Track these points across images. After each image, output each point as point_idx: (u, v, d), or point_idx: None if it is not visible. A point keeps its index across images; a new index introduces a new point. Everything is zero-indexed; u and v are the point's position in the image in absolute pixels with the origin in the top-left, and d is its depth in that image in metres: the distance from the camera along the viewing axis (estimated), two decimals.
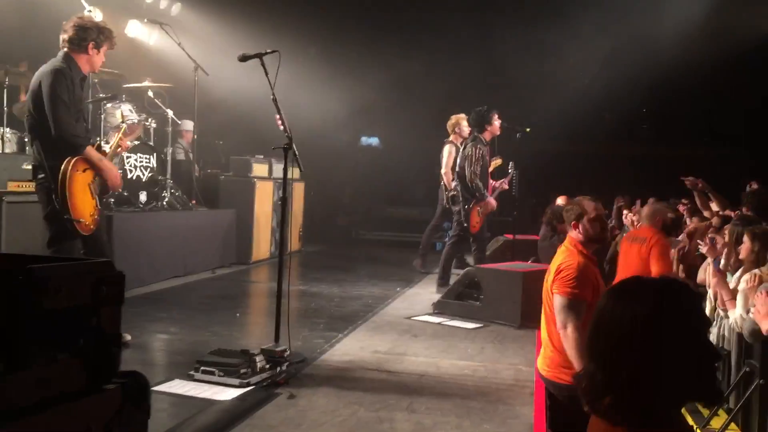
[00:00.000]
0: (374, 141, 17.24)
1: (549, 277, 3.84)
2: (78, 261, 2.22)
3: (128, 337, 5.23)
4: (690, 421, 4.47)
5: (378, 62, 13.41)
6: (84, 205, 4.90)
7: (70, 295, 1.94)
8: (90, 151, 4.91)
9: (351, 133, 16.50)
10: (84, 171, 4.90)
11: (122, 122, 5.99)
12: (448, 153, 9.21)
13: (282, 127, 5.08)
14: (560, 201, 8.27)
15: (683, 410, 1.62)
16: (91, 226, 4.99)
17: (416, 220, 13.22)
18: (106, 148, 5.31)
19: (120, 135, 5.41)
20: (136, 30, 10.09)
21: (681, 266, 6.27)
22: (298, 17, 12.75)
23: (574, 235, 3.95)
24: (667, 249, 5.78)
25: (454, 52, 13.07)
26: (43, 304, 1.87)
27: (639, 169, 13.38)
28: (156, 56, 10.37)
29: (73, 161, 4.76)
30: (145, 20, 9.78)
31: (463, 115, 9.14)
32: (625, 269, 5.72)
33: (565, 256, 3.84)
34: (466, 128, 8.99)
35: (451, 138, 9.33)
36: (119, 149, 5.49)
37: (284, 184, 5.14)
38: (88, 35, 4.90)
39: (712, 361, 1.68)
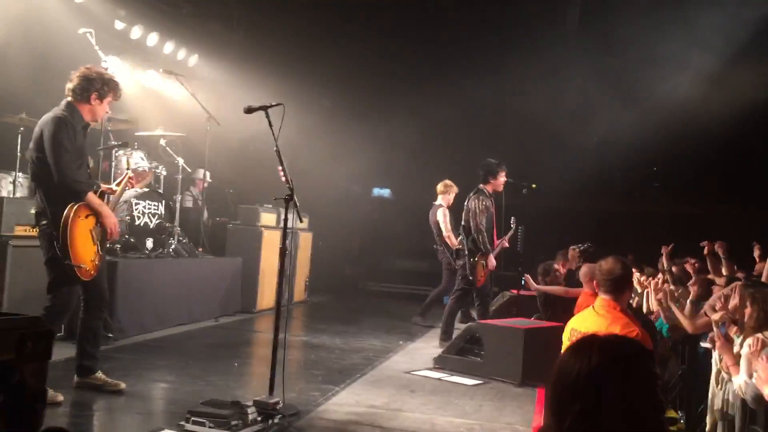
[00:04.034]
0: (386, 192, 17.31)
1: None
2: (2, 317, 2.21)
3: (122, 386, 5.22)
4: None
5: (393, 114, 13.57)
6: (85, 251, 4.94)
7: None
8: (91, 197, 4.97)
9: (363, 184, 16.60)
10: (86, 217, 4.95)
11: (127, 169, 6.06)
12: (443, 216, 9.31)
13: (284, 179, 5.13)
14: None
15: None
16: (92, 272, 5.02)
17: (425, 272, 13.18)
18: (114, 187, 5.39)
19: (125, 178, 5.46)
20: (152, 80, 10.30)
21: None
22: (313, 70, 12.98)
23: (619, 299, 3.86)
24: None
25: (466, 107, 13.21)
26: None
27: (649, 227, 13.31)
28: (170, 106, 10.57)
29: (75, 207, 4.81)
30: (161, 70, 9.99)
31: (456, 187, 9.57)
32: None
33: (623, 324, 3.68)
34: (452, 197, 9.52)
35: (442, 201, 9.44)
36: (124, 191, 5.54)
37: (283, 235, 5.15)
38: (91, 86, 5.00)
39: (657, 413, 1.82)
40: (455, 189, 9.54)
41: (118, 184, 5.43)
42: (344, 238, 14.97)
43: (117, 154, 7.89)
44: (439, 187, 9.59)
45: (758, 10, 10.99)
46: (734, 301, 4.94)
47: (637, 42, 12.08)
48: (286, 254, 5.12)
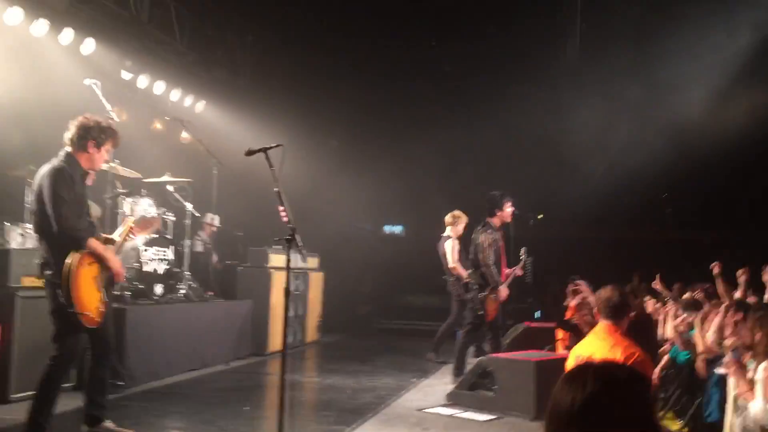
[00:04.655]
0: (398, 229, 17.32)
1: None
2: None
3: None
4: None
5: (401, 151, 13.67)
6: (89, 298, 4.95)
7: None
8: (94, 243, 4.98)
9: (374, 222, 16.64)
10: (89, 264, 4.96)
11: (129, 215, 6.10)
12: (451, 247, 9.30)
13: (285, 219, 5.13)
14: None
15: None
16: (97, 319, 5.01)
17: (437, 308, 13.06)
18: (116, 236, 5.42)
19: (126, 227, 5.49)
20: (158, 126, 10.44)
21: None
22: (320, 111, 13.13)
23: (619, 324, 4.05)
24: None
25: (476, 142, 13.28)
26: None
27: (660, 253, 13.18)
28: (178, 151, 10.68)
29: (78, 256, 4.83)
30: (166, 118, 10.12)
31: (465, 217, 9.51)
32: None
33: (625, 347, 3.86)
34: (462, 228, 9.43)
35: (450, 232, 9.45)
36: (125, 240, 5.57)
37: (287, 276, 5.12)
38: (88, 134, 5.04)
39: None
40: (465, 219, 9.50)
41: (120, 235, 5.45)
42: (356, 276, 14.94)
43: (125, 201, 7.95)
44: (448, 218, 9.59)
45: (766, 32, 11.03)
46: (739, 325, 4.88)
47: (640, 68, 12.13)
48: (292, 295, 5.10)
